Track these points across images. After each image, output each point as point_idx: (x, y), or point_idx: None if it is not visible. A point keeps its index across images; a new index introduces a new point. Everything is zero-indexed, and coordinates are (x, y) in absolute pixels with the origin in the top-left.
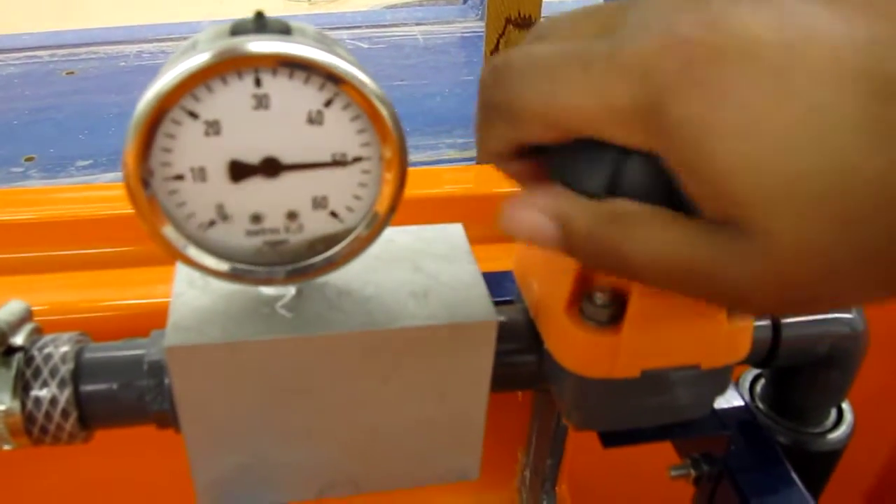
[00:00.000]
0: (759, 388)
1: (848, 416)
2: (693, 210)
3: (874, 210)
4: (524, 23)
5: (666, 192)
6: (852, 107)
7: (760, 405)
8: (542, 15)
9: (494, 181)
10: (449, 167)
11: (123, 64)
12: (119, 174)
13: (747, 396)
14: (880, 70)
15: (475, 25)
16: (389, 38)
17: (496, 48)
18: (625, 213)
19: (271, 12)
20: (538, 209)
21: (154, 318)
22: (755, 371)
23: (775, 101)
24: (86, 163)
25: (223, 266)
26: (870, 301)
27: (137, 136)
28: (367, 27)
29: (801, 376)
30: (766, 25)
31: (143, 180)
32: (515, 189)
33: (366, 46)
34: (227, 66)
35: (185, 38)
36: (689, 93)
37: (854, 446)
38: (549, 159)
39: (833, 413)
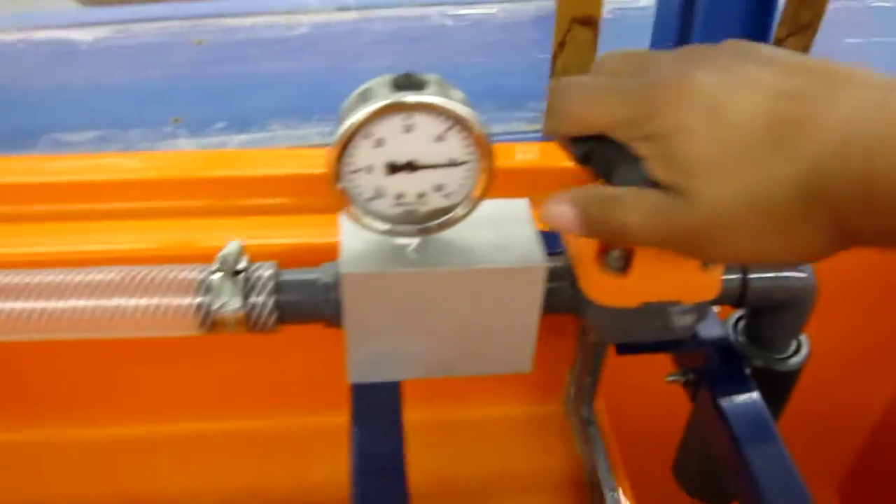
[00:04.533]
0: (740, 325)
1: (804, 346)
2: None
3: (761, 194)
4: (587, 21)
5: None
6: (760, 130)
7: (741, 338)
8: (603, 14)
9: (556, 157)
10: (520, 143)
11: (242, 36)
12: (250, 135)
13: (731, 330)
14: (785, 110)
15: (549, 4)
16: (471, 16)
17: (563, 43)
18: (620, 194)
19: None
20: (565, 202)
21: (308, 256)
22: (740, 312)
23: (707, 124)
24: (222, 124)
25: (380, 225)
26: (761, 257)
27: (337, 148)
28: (450, 4)
29: (767, 316)
30: (716, 81)
31: (337, 174)
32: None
33: (450, 24)
34: (392, 110)
35: (292, 13)
36: (667, 112)
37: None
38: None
39: (794, 343)
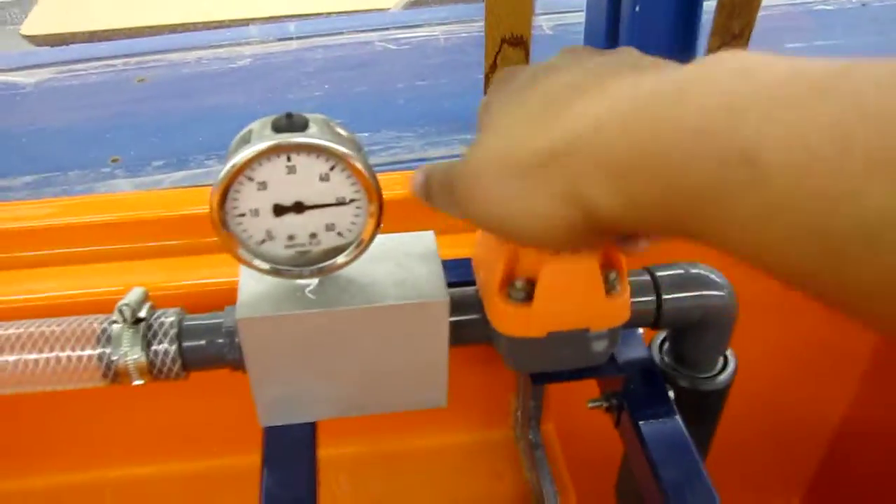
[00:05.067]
0: (665, 346)
1: (731, 364)
2: None
3: (514, 148)
4: (517, 42)
5: None
6: (541, 101)
7: (666, 358)
8: (545, 30)
9: None
10: None
11: (186, 71)
12: (188, 172)
13: (656, 351)
14: (558, 94)
15: None
16: (413, 39)
17: (494, 63)
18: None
19: None
20: (420, 172)
21: (220, 297)
22: (664, 333)
23: (509, 104)
24: (160, 163)
25: (271, 267)
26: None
27: (219, 192)
28: (394, 28)
29: (689, 336)
30: (552, 65)
31: (222, 219)
32: None
33: (393, 48)
34: (272, 152)
35: (234, 45)
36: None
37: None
38: None
39: (720, 361)
